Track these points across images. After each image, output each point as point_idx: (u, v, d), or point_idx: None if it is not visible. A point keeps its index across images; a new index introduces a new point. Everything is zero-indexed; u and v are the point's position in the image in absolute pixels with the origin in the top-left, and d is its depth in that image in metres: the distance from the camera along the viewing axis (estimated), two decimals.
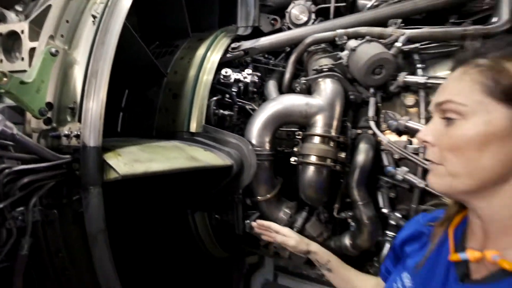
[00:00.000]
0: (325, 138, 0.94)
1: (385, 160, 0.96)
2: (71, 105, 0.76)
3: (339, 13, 1.21)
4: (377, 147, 0.97)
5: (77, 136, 0.73)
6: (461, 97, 0.45)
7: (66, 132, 0.75)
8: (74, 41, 0.81)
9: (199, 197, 1.03)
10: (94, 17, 0.81)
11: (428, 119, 0.93)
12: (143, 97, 1.11)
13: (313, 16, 1.20)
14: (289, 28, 1.23)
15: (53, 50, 0.75)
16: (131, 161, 0.75)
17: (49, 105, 0.76)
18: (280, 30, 1.31)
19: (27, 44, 0.80)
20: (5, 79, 0.66)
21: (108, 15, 0.79)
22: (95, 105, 0.74)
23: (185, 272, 1.23)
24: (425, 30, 0.93)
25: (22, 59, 0.81)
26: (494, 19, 0.93)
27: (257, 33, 1.31)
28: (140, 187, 1.00)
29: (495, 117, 0.43)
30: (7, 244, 0.65)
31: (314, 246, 0.81)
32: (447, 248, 0.51)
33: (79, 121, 0.74)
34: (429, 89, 0.95)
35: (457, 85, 0.47)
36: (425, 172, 0.91)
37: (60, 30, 0.80)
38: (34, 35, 0.81)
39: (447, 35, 0.92)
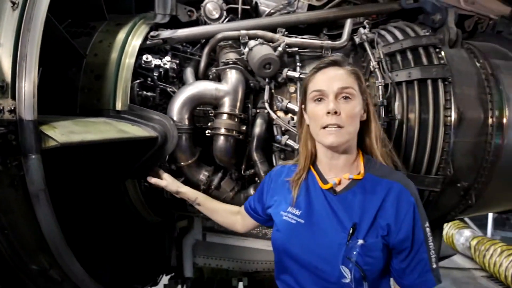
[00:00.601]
0: (231, 115, 1.32)
1: (275, 131, 1.41)
2: (0, 83, 0.88)
3: (245, 13, 1.58)
4: (270, 122, 1.42)
5: (11, 111, 0.88)
6: (354, 86, 0.89)
7: None
8: None
9: (129, 166, 1.27)
10: (13, 3, 0.92)
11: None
12: (62, 76, 1.23)
13: (224, 13, 1.53)
14: (204, 21, 1.54)
15: None
16: (67, 132, 0.95)
17: None
18: (196, 21, 1.59)
19: None
20: None
21: (31, 4, 0.92)
22: (27, 85, 0.89)
23: (122, 237, 1.46)
24: (298, 39, 1.40)
25: None
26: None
27: (175, 21, 1.56)
28: (76, 160, 1.17)
29: (360, 103, 0.90)
30: None
31: (184, 188, 1.20)
32: (315, 183, 0.95)
33: (13, 98, 0.88)
34: (303, 81, 1.44)
35: (349, 79, 0.90)
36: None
37: None
38: None
39: (311, 45, 1.41)
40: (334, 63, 0.94)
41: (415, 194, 0.89)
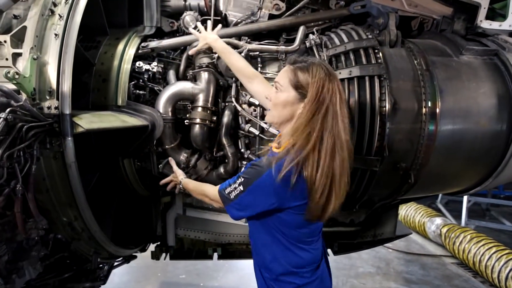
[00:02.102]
0: (204, 108, 2.18)
1: (240, 120, 2.27)
2: (49, 89, 1.76)
3: (217, 22, 2.44)
4: (236, 113, 2.27)
5: (56, 108, 1.75)
6: (282, 81, 1.55)
7: (48, 105, 1.75)
8: (43, 50, 1.79)
9: (126, 148, 2.15)
10: (56, 35, 1.79)
11: None
12: (78, 80, 2.11)
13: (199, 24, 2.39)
14: (183, 31, 2.40)
15: (35, 56, 1.73)
16: (89, 122, 1.82)
17: (34, 89, 1.74)
18: (177, 30, 2.47)
19: (10, 50, 1.74)
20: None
21: (67, 35, 1.79)
22: (65, 90, 1.76)
23: (121, 205, 2.35)
24: (258, 46, 2.25)
25: (6, 59, 1.74)
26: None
27: (159, 30, 2.44)
28: (90, 144, 2.05)
29: (291, 94, 1.52)
30: (25, 167, 1.65)
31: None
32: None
33: (57, 99, 1.75)
34: None
35: (283, 74, 1.56)
36: (261, 128, 2.26)
37: (34, 42, 1.76)
38: (14, 44, 1.75)
39: (269, 50, 2.26)
40: (290, 62, 1.59)
41: (255, 164, 1.53)
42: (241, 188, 1.52)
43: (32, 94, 1.73)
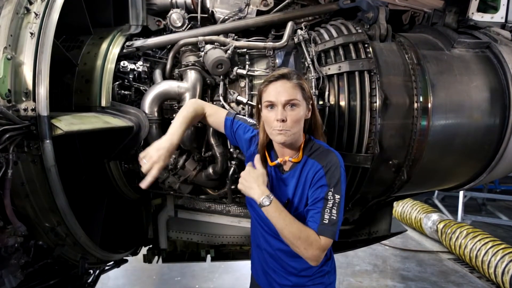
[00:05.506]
0: None
1: None
2: (25, 90, 1.65)
3: (205, 19, 2.34)
4: None
5: (33, 110, 1.65)
6: (297, 97, 1.45)
7: (24, 107, 1.65)
8: (18, 49, 1.68)
9: (111, 150, 2.04)
10: (31, 34, 1.69)
11: (250, 95, 2.17)
12: (60, 81, 2.01)
13: (186, 21, 2.29)
14: (170, 29, 2.30)
15: (9, 56, 1.62)
16: (69, 124, 1.71)
17: (9, 91, 1.63)
18: (164, 29, 2.36)
19: None
20: None
21: (43, 34, 1.69)
22: (42, 91, 1.66)
23: (109, 210, 2.24)
24: (244, 42, 2.15)
25: None
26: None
27: (145, 30, 2.33)
28: (74, 147, 1.94)
29: (304, 107, 1.49)
30: (0, 172, 1.55)
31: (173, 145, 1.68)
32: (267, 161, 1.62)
33: (34, 100, 1.65)
34: (251, 77, 2.18)
35: (293, 91, 1.45)
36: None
37: (8, 42, 1.66)
38: None
39: (256, 46, 2.16)
40: (283, 77, 1.47)
41: (328, 168, 1.47)
42: (338, 196, 1.45)
43: (7, 95, 1.62)
